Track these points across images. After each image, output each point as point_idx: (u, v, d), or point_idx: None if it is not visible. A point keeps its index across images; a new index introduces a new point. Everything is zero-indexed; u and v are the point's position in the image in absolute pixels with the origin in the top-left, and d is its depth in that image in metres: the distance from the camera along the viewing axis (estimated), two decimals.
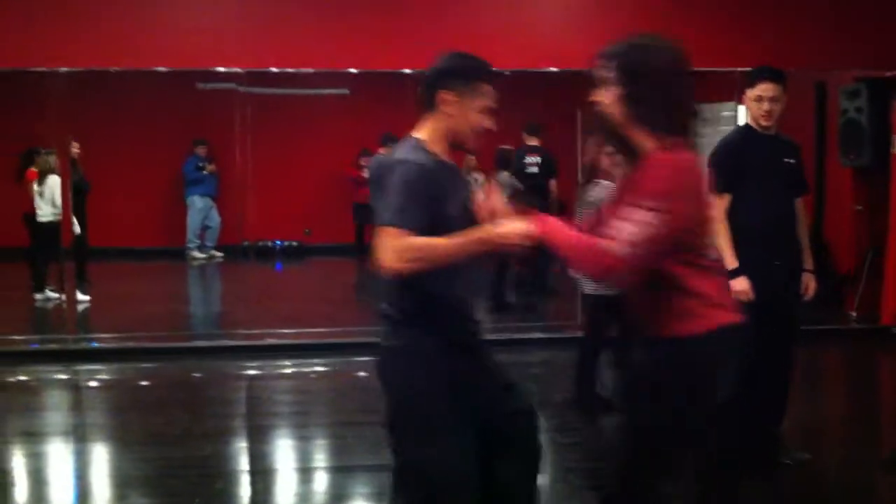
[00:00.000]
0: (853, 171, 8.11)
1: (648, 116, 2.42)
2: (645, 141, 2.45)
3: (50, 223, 8.64)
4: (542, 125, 8.84)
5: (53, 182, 8.61)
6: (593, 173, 5.26)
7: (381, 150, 9.08)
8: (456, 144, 2.72)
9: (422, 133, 2.70)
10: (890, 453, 4.78)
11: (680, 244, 2.38)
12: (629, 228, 2.31)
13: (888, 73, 7.75)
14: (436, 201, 2.57)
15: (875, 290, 7.85)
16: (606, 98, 2.48)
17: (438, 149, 2.67)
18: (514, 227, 2.50)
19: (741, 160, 4.29)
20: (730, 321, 2.47)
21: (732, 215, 4.23)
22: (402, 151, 2.65)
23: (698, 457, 2.93)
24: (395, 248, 2.47)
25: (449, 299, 2.73)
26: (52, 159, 8.68)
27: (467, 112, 2.66)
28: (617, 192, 2.64)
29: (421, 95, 2.72)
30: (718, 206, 4.16)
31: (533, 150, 8.70)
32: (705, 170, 2.60)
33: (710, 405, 2.49)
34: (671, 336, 2.45)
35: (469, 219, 2.65)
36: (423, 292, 2.65)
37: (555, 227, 2.47)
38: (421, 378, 2.67)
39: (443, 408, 2.65)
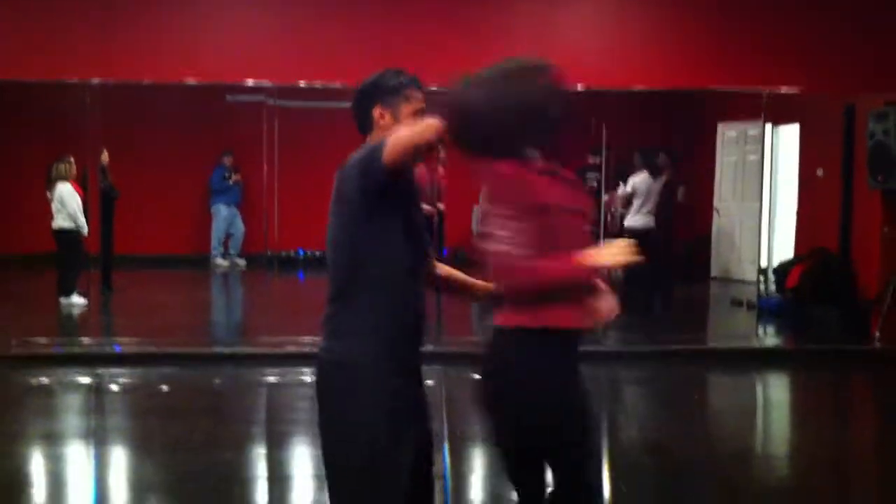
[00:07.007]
0: (882, 193, 8.05)
1: None
2: None
3: (60, 229, 8.75)
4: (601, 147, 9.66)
5: (61, 189, 8.75)
6: None
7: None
8: None
9: None
10: None
11: None
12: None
13: None
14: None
15: None
16: None
17: None
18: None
19: None
20: None
21: None
22: None
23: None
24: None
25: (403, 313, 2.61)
26: (64, 167, 8.82)
27: (401, 122, 2.58)
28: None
29: (356, 119, 2.68)
30: None
31: (593, 168, 9.79)
32: None
33: None
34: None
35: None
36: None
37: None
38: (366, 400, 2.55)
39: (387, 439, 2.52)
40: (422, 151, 2.46)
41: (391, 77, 2.64)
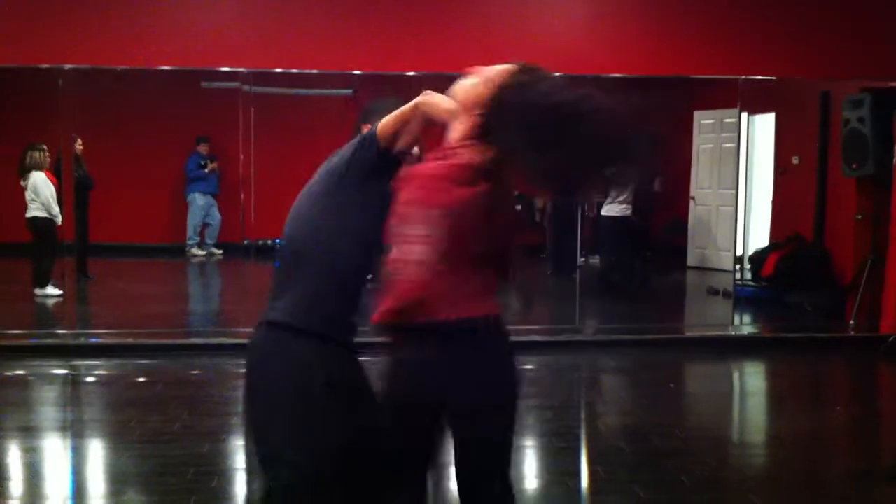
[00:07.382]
0: (856, 180, 8.11)
1: None
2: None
3: (35, 219, 8.67)
4: None
5: (35, 178, 8.66)
6: None
7: None
8: None
9: None
10: (891, 464, 4.77)
11: None
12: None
13: (892, 84, 7.75)
14: None
15: (875, 299, 7.86)
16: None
17: None
18: None
19: None
20: None
21: None
22: None
23: None
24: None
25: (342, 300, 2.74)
26: (38, 155, 8.73)
27: None
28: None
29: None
30: None
31: None
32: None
33: None
34: None
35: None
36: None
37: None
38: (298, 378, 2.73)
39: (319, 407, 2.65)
40: (407, 122, 2.59)
41: (380, 102, 2.91)
